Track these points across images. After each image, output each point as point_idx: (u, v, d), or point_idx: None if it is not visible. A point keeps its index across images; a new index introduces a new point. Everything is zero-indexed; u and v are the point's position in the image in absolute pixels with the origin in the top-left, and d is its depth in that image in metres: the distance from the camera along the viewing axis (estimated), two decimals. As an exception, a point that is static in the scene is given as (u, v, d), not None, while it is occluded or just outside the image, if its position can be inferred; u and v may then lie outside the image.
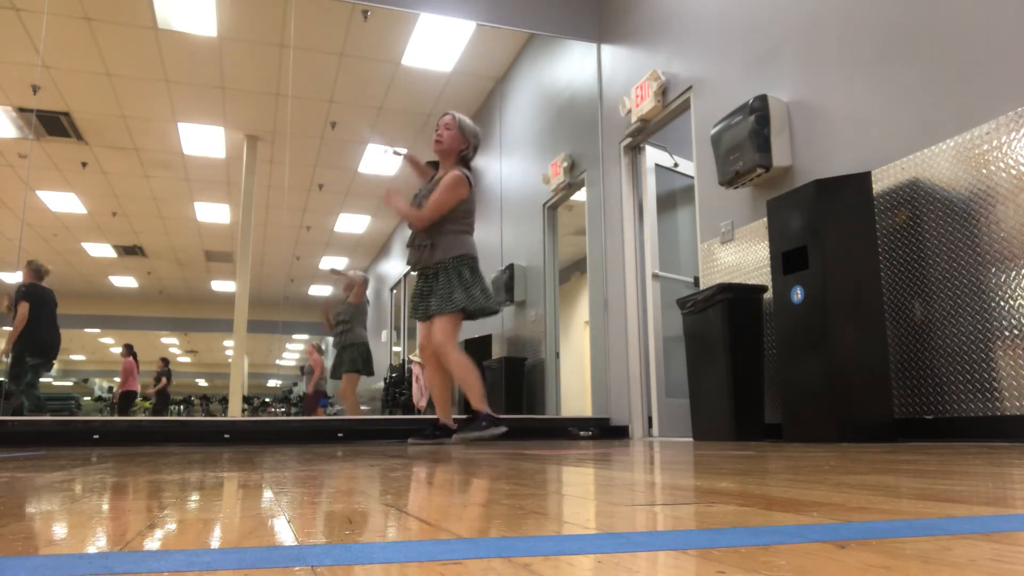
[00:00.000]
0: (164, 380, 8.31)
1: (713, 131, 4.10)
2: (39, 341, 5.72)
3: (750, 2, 4.18)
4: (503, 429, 3.65)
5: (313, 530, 0.67)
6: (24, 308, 5.63)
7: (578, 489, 1.07)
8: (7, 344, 5.61)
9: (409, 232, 3.89)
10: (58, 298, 5.97)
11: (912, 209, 3.04)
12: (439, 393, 3.85)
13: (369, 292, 8.30)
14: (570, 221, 6.68)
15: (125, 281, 8.03)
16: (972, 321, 2.76)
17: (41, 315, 5.74)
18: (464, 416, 3.79)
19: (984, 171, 2.74)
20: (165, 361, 8.42)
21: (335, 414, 7.02)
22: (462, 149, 3.86)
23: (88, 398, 8.86)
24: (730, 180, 3.97)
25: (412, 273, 4.02)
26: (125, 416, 7.60)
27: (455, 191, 3.71)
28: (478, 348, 6.83)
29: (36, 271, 5.82)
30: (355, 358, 6.27)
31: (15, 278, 6.21)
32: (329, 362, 6.68)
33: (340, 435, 4.85)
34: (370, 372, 6.40)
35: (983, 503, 0.81)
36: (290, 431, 4.79)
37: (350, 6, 5.88)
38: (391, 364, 8.02)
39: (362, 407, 7.43)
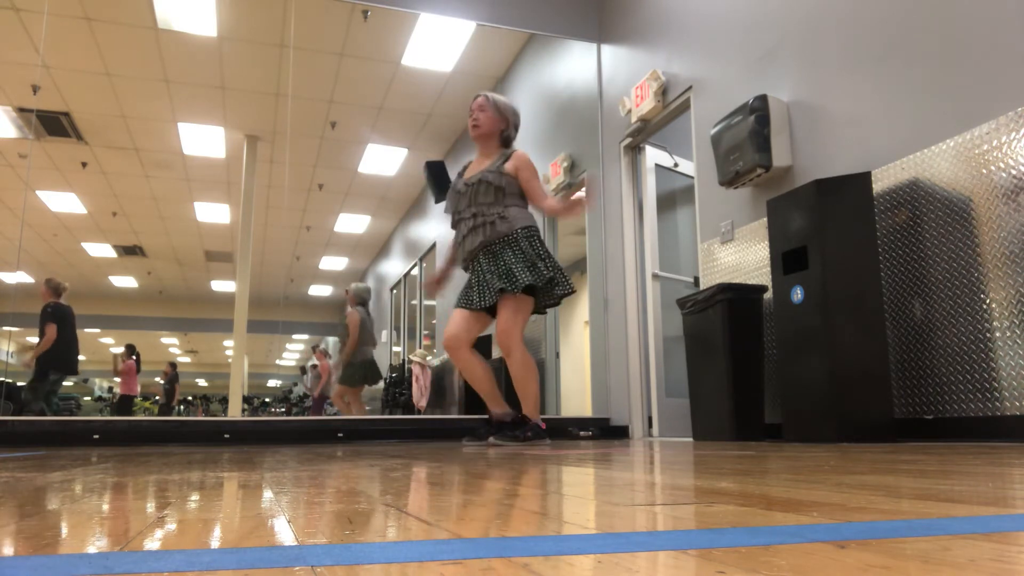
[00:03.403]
0: (173, 384, 8.33)
1: (713, 131, 4.10)
2: (62, 358, 6.03)
3: (750, 2, 4.18)
4: (548, 443, 3.41)
5: (313, 530, 0.67)
6: (52, 330, 5.96)
7: (578, 489, 1.07)
8: (31, 358, 5.85)
9: (454, 221, 3.62)
10: (62, 300, 6.18)
11: (912, 209, 3.04)
12: (483, 386, 3.50)
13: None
14: (570, 221, 6.67)
15: (125, 281, 8.03)
16: (972, 321, 2.76)
17: (64, 333, 6.05)
18: (484, 417, 3.58)
19: (984, 171, 2.74)
20: (173, 366, 8.42)
21: (334, 414, 7.02)
22: (503, 129, 3.66)
23: (88, 398, 8.86)
24: (730, 180, 3.97)
25: (464, 269, 3.66)
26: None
27: (536, 170, 3.56)
28: (478, 348, 6.82)
29: (55, 289, 6.15)
30: (352, 375, 6.36)
31: (15, 278, 6.21)
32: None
33: (340, 435, 4.85)
34: (373, 382, 6.45)
35: (983, 503, 0.81)
36: (290, 431, 4.79)
37: (350, 6, 5.88)
38: (391, 364, 8.02)
39: (365, 408, 7.43)
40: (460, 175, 3.75)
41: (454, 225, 3.68)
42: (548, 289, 3.47)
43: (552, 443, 3.82)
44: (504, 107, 3.68)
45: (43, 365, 5.90)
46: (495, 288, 3.40)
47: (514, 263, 3.40)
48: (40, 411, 5.76)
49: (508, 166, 3.54)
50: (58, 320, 6.00)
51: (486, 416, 3.62)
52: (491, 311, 3.60)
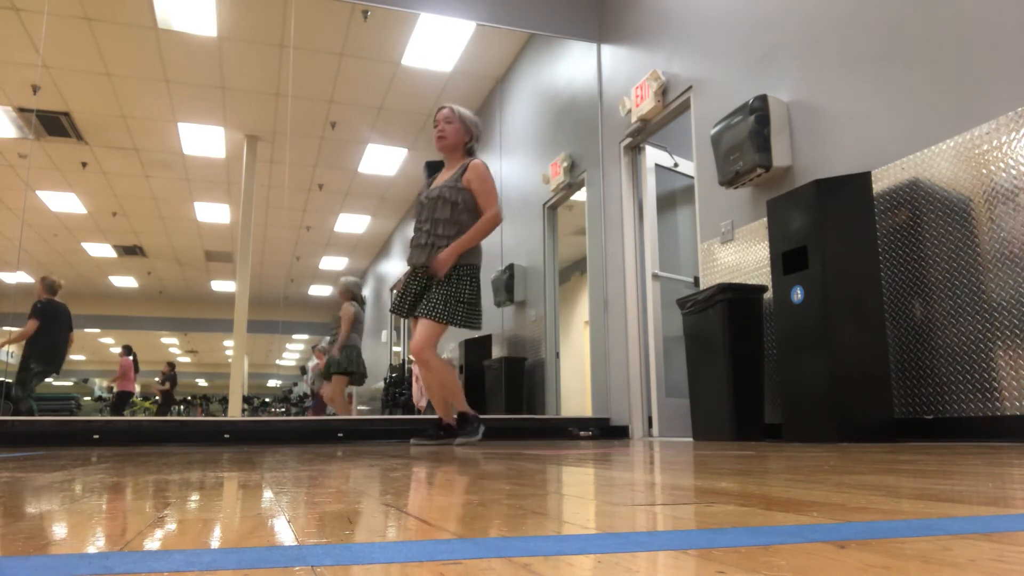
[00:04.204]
0: (168, 384, 8.33)
1: (713, 131, 4.10)
2: (47, 353, 6.07)
3: (750, 2, 4.18)
4: (482, 428, 3.72)
5: (313, 530, 0.67)
6: (32, 325, 6.02)
7: (578, 489, 1.07)
8: (3, 341, 5.88)
9: (414, 228, 3.79)
10: (58, 298, 6.20)
11: (912, 209, 3.04)
12: (438, 393, 3.81)
13: (367, 292, 8.30)
14: (570, 221, 6.67)
15: (125, 281, 8.03)
16: (972, 321, 2.76)
17: (52, 329, 6.11)
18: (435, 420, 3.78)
19: (984, 171, 2.74)
20: (171, 365, 8.43)
21: (333, 414, 7.02)
22: (466, 141, 3.80)
23: (88, 398, 8.86)
24: (730, 180, 3.97)
25: (408, 268, 3.93)
26: (121, 416, 7.60)
27: (492, 180, 3.70)
28: (478, 348, 6.83)
29: (49, 287, 6.21)
30: (340, 361, 6.33)
31: (15, 278, 6.21)
32: None
33: (340, 435, 4.85)
34: (360, 376, 6.42)
35: (983, 503, 0.81)
36: (290, 431, 4.79)
37: (350, 6, 5.87)
38: (391, 364, 8.02)
39: (361, 407, 7.43)
40: (428, 184, 3.90)
41: (415, 230, 3.85)
42: (455, 326, 3.72)
43: (550, 443, 3.82)
44: (469, 120, 3.83)
45: (25, 356, 5.98)
46: (421, 309, 3.65)
47: (443, 296, 3.61)
48: (30, 409, 5.80)
49: (464, 179, 3.69)
50: (43, 317, 6.07)
51: (437, 417, 3.82)
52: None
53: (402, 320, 8.20)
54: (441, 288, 3.62)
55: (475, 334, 6.96)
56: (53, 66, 6.29)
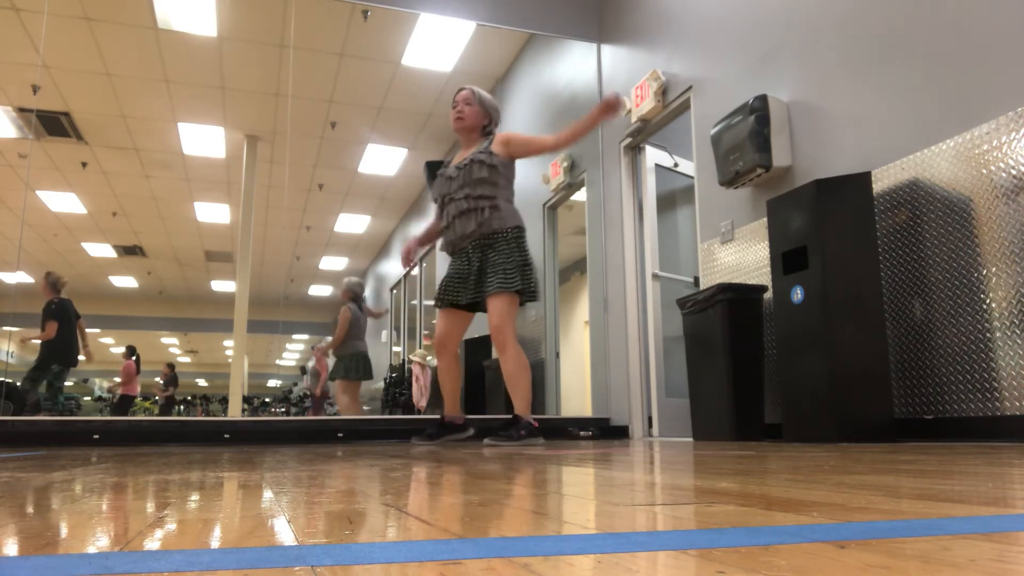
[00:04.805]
0: (171, 389, 8.34)
1: (713, 131, 4.10)
2: (64, 351, 6.18)
3: (750, 2, 4.18)
4: (541, 442, 3.43)
5: (313, 530, 0.67)
6: (53, 328, 6.10)
7: (578, 489, 1.07)
8: (26, 340, 6.07)
9: (444, 205, 3.62)
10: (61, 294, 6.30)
11: (912, 209, 3.04)
12: (450, 386, 3.67)
13: (367, 292, 8.30)
14: (570, 221, 6.68)
15: (125, 281, 8.04)
16: (972, 321, 2.76)
17: (66, 328, 6.23)
18: (506, 417, 3.62)
19: (984, 171, 2.74)
20: (171, 367, 8.43)
21: (334, 414, 7.02)
22: (485, 124, 3.71)
23: (88, 398, 8.87)
24: (730, 180, 3.97)
25: (448, 253, 3.68)
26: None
27: (521, 133, 3.62)
28: (478, 348, 6.83)
29: (53, 285, 6.31)
30: (347, 367, 6.35)
31: (15, 278, 6.22)
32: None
33: (340, 435, 4.85)
34: (366, 377, 6.44)
35: (983, 503, 0.81)
36: (290, 431, 4.79)
37: (350, 6, 5.88)
38: (391, 364, 8.02)
39: (363, 407, 7.44)
40: (446, 166, 3.80)
41: (442, 208, 3.70)
42: (529, 296, 3.55)
43: (549, 443, 3.82)
44: (489, 103, 3.74)
45: (45, 358, 6.04)
46: (490, 284, 3.45)
47: (507, 263, 3.46)
48: (36, 402, 5.84)
49: (495, 147, 3.59)
50: (60, 318, 6.14)
51: (438, 417, 3.72)
52: (470, 308, 3.69)
53: (403, 320, 8.20)
54: (502, 258, 3.45)
55: (487, 326, 6.95)
56: (53, 66, 6.29)
